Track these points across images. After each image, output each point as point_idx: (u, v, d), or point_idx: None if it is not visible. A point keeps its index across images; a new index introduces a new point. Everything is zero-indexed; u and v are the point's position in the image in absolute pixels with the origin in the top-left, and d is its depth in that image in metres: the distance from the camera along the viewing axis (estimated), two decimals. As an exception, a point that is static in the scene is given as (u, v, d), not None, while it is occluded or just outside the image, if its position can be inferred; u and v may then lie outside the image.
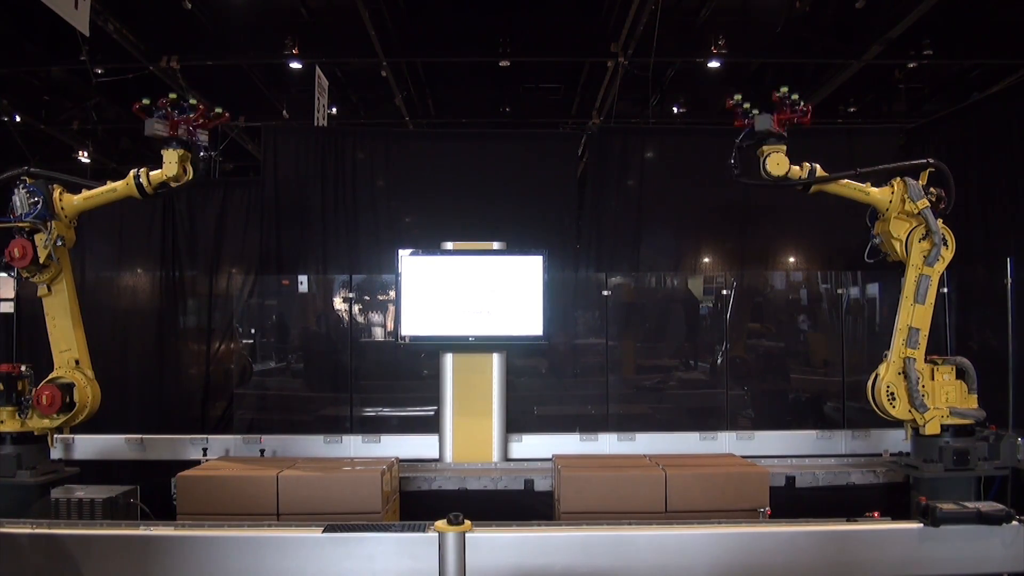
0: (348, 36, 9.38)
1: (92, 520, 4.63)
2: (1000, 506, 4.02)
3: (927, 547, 3.93)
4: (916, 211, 4.97)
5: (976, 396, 5.04)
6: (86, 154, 12.16)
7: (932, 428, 4.98)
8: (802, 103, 4.97)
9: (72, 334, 5.14)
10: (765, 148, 5.04)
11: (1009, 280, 5.94)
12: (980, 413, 5.02)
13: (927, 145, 7.33)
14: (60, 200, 5.07)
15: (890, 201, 5.06)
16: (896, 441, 5.69)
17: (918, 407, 4.95)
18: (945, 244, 4.97)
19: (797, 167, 5.08)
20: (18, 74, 10.43)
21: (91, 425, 5.45)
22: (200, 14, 8.94)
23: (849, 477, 5.76)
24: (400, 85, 10.83)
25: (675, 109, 12.21)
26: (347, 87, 11.81)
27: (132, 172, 5.08)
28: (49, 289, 5.10)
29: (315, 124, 8.97)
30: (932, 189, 5.05)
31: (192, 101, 5.01)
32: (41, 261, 4.93)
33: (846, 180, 5.13)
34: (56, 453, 5.55)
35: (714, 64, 9.85)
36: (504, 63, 9.71)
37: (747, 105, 5.01)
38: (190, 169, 5.16)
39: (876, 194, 5.13)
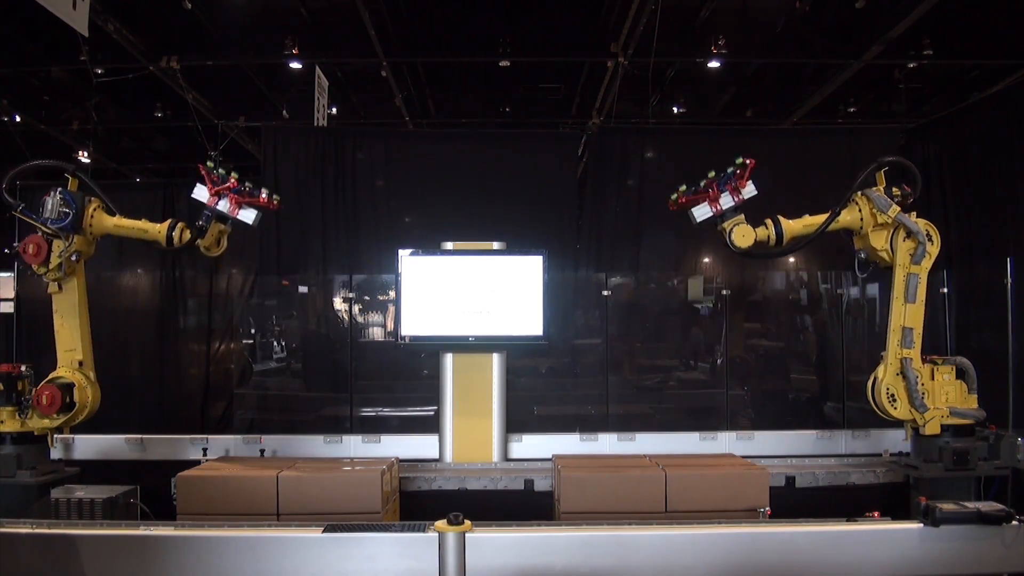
0: (348, 36, 9.37)
1: (92, 520, 4.63)
2: (1000, 506, 4.02)
3: (927, 547, 3.93)
4: (890, 220, 4.93)
5: (976, 396, 5.04)
6: (86, 154, 12.13)
7: (932, 428, 4.98)
8: (736, 171, 4.90)
9: (78, 334, 5.12)
10: (725, 225, 4.99)
11: (1009, 280, 5.94)
12: (980, 413, 5.02)
13: (927, 145, 7.33)
14: (92, 217, 5.05)
15: (861, 219, 5.02)
16: (896, 441, 5.69)
17: (918, 407, 4.94)
18: (930, 240, 4.92)
19: (762, 227, 5.01)
20: (18, 74, 10.43)
21: (91, 425, 5.45)
22: (200, 14, 8.93)
23: (849, 477, 5.76)
24: (400, 85, 10.82)
25: (675, 109, 12.20)
26: (347, 87, 11.81)
27: (169, 222, 5.17)
28: (60, 287, 5.07)
29: (315, 124, 8.97)
30: (895, 190, 4.99)
31: (234, 176, 5.09)
32: (50, 267, 4.95)
33: (811, 219, 5.06)
34: (56, 453, 5.55)
35: (714, 64, 9.85)
36: (504, 63, 9.70)
37: (687, 188, 5.12)
38: (224, 242, 5.40)
39: (845, 218, 5.06)
